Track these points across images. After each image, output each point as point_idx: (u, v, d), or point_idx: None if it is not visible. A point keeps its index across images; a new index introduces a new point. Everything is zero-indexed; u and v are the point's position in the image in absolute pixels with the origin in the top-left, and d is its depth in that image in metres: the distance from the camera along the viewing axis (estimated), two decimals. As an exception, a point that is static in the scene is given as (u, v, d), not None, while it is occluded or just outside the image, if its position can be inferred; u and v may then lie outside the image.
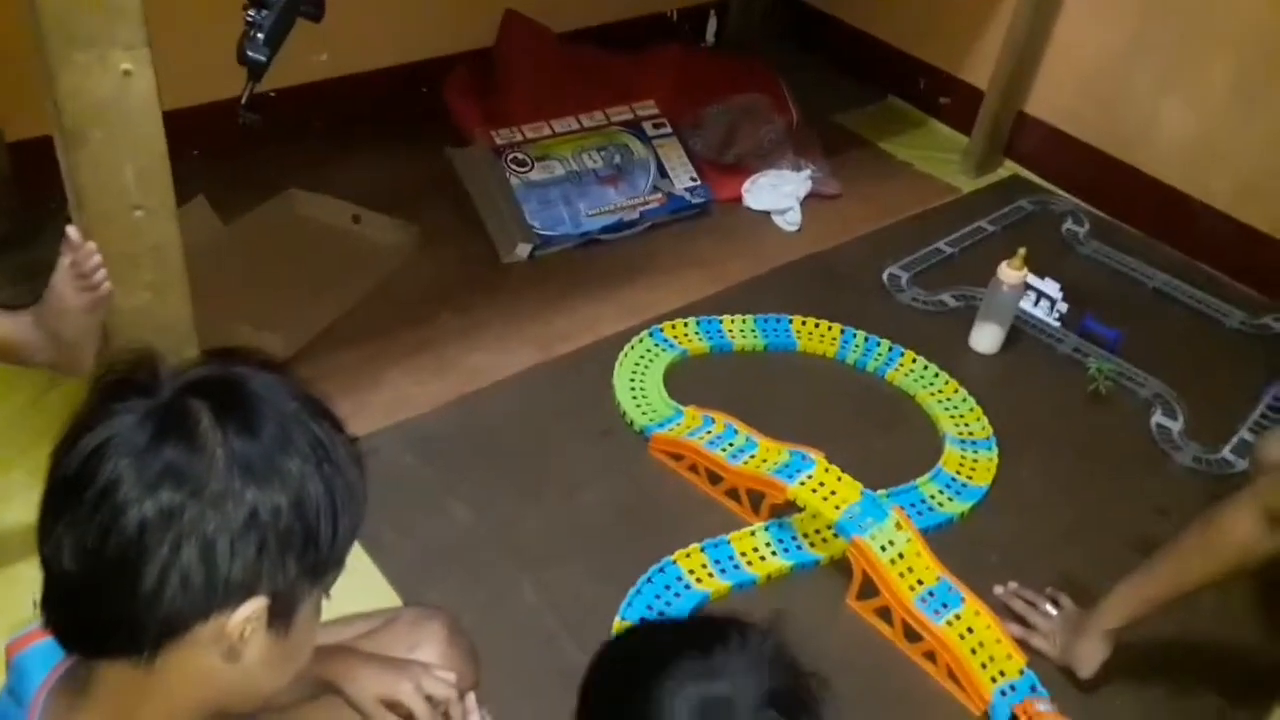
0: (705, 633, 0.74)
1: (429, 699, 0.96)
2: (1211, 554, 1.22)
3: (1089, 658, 1.33)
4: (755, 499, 1.54)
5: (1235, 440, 1.77)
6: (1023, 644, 1.40)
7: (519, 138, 2.09)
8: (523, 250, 1.98)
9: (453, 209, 2.06)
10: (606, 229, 2.07)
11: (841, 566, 1.47)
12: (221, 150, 1.95)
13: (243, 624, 0.63)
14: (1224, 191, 2.17)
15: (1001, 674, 1.36)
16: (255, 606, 0.63)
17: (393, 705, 0.96)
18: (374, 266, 1.90)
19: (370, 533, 1.46)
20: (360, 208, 1.98)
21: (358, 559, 1.43)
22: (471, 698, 0.97)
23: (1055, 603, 1.44)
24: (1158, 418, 1.81)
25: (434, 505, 1.52)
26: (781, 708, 0.70)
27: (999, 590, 1.47)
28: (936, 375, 1.85)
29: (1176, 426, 1.79)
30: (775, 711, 0.69)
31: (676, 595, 1.43)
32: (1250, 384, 1.86)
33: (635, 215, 2.09)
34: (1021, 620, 1.43)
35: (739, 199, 2.22)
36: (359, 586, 1.38)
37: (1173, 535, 1.59)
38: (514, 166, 2.05)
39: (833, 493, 1.47)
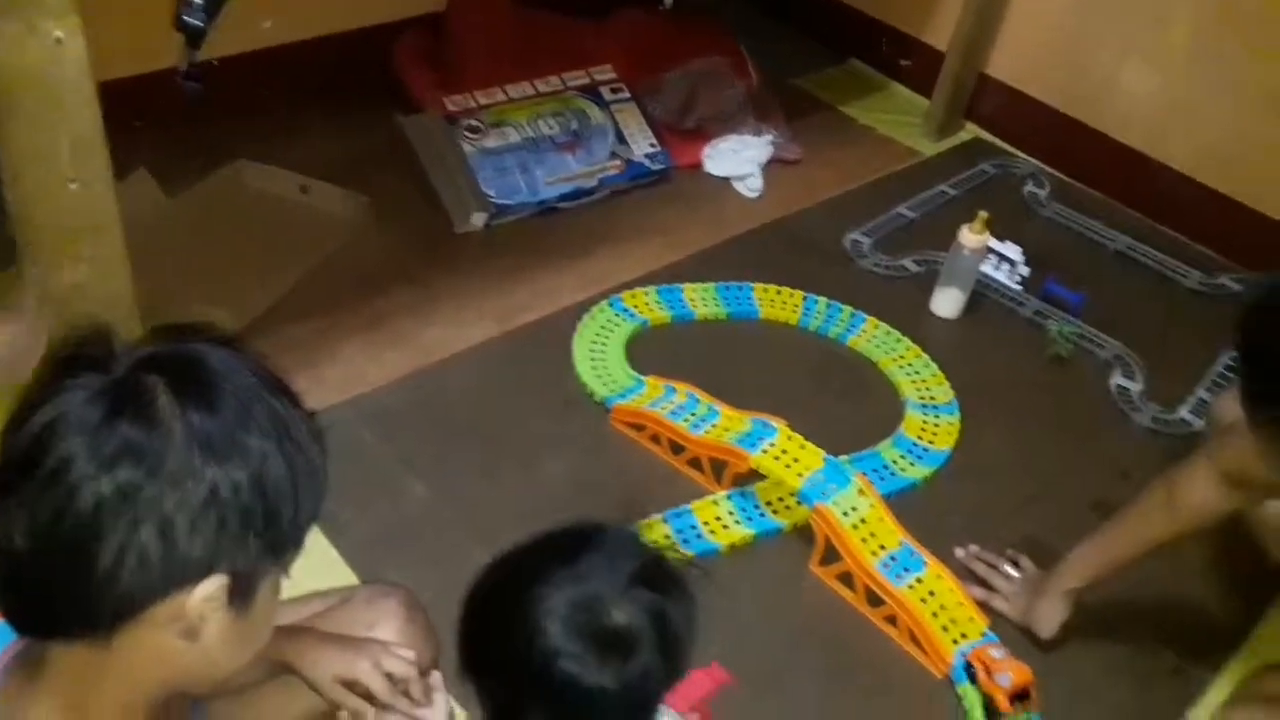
0: (567, 541, 0.77)
1: (388, 677, 0.95)
2: (1168, 516, 1.23)
3: (1049, 618, 1.34)
4: (718, 468, 1.53)
5: (1193, 400, 1.78)
6: (984, 606, 1.40)
7: (472, 104, 2.04)
8: (478, 220, 1.95)
9: (405, 178, 2.02)
10: (565, 197, 2.03)
11: (804, 533, 1.47)
12: (166, 121, 1.89)
13: (202, 603, 0.62)
14: (1183, 153, 2.17)
15: (963, 636, 1.36)
16: (215, 585, 0.62)
17: (351, 684, 0.95)
18: (325, 239, 1.87)
19: (325, 511, 1.41)
20: (309, 178, 1.93)
21: (313, 537, 1.40)
22: (436, 675, 0.96)
23: (1016, 564, 1.45)
24: (1117, 379, 1.82)
25: (391, 482, 1.49)
26: (647, 584, 0.74)
27: (960, 553, 1.48)
28: (899, 341, 1.84)
29: (1136, 388, 1.80)
30: (642, 588, 0.74)
31: (639, 567, 1.41)
32: (1208, 344, 1.87)
33: (594, 183, 2.06)
34: (983, 582, 1.44)
35: (699, 165, 2.20)
36: (314, 566, 1.36)
37: (1132, 497, 1.62)
38: (467, 134, 2.01)
39: (795, 460, 1.47)
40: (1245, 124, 2.07)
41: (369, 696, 0.95)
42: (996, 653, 1.31)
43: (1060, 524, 1.56)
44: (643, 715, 0.77)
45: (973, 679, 1.31)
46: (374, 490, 1.47)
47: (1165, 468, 1.66)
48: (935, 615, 1.37)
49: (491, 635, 0.76)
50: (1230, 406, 1.42)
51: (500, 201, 1.96)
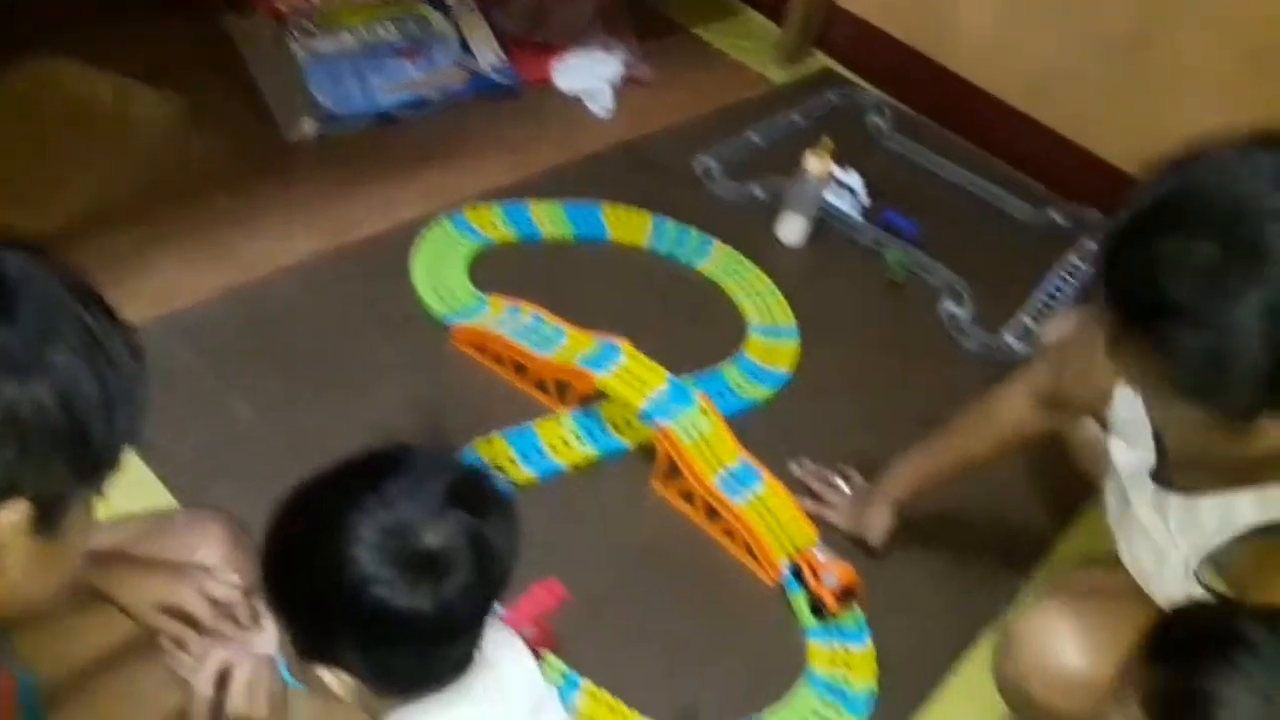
0: (374, 466, 0.74)
1: (212, 602, 0.90)
2: (985, 431, 1.29)
3: (876, 526, 1.40)
4: (562, 389, 1.51)
5: (1017, 326, 1.86)
6: (816, 518, 1.45)
7: (305, 4, 1.92)
8: (309, 128, 1.84)
9: (232, 83, 1.88)
10: (404, 106, 1.94)
11: (648, 452, 1.48)
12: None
13: (2, 530, 0.58)
14: (1017, 89, 2.25)
15: (796, 548, 1.40)
16: (16, 512, 0.58)
17: (172, 611, 0.89)
18: (142, 145, 1.73)
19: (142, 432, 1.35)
20: (126, 80, 1.78)
21: (129, 461, 1.31)
22: (260, 600, 0.91)
23: (847, 479, 1.50)
24: (948, 306, 1.89)
25: (212, 403, 1.41)
26: (461, 504, 0.71)
27: (794, 468, 1.52)
28: (745, 266, 1.86)
29: (964, 314, 1.88)
30: (456, 509, 0.71)
31: (479, 487, 1.39)
32: (1033, 272, 1.96)
33: (435, 93, 1.97)
34: (815, 496, 1.48)
35: (548, 81, 2.14)
36: (130, 490, 1.27)
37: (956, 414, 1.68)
38: (299, 36, 1.89)
39: (639, 380, 1.47)
40: (1073, 62, 2.16)
41: (192, 623, 0.90)
42: (821, 555, 1.36)
43: (891, 443, 1.60)
44: (465, 634, 0.75)
45: (800, 581, 1.35)
46: (194, 412, 1.39)
47: (988, 388, 1.76)
48: (770, 528, 1.40)
49: (297, 565, 0.73)
50: (1053, 331, 1.49)
51: (333, 109, 1.86)
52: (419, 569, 0.69)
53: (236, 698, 0.86)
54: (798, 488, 1.49)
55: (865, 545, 1.42)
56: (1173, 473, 1.01)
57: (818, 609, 1.33)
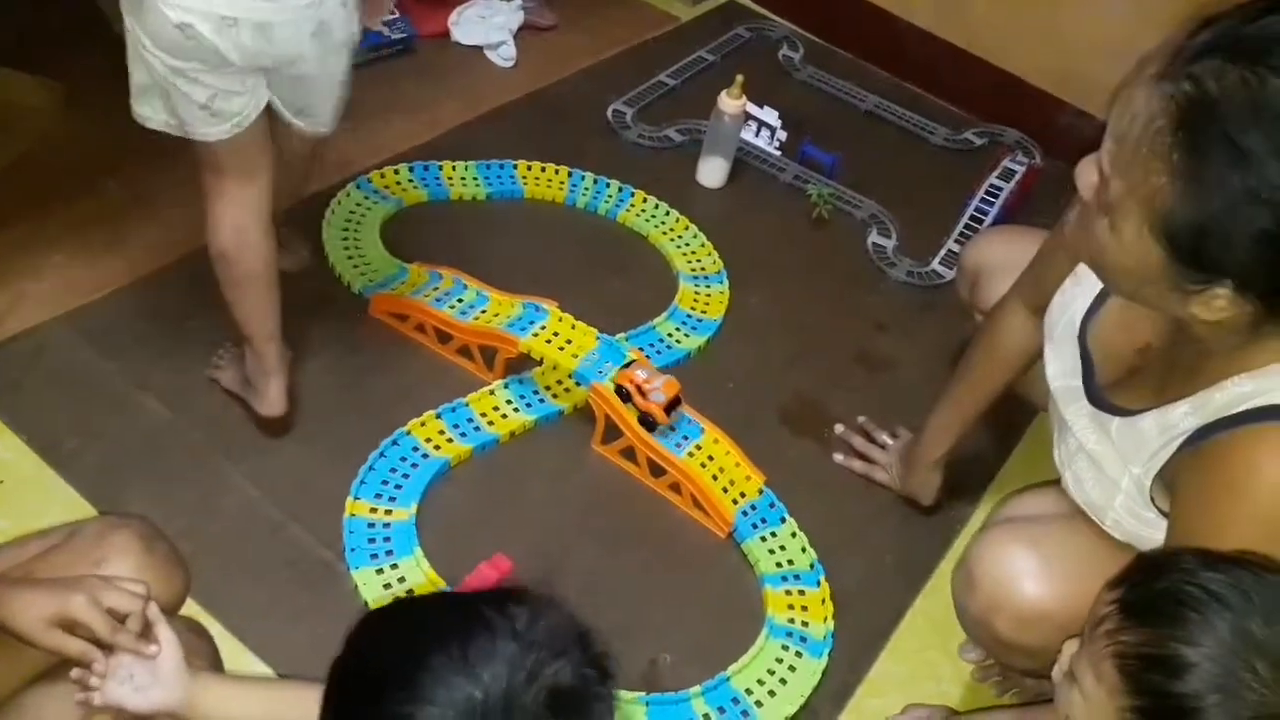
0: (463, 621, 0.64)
1: (111, 612, 0.83)
2: (996, 365, 1.26)
3: (925, 489, 1.40)
4: (488, 355, 1.47)
5: (943, 252, 1.86)
6: (867, 479, 1.46)
7: (179, -30, 1.79)
8: (197, 102, 1.73)
9: (108, 61, 1.74)
10: (296, 74, 1.84)
11: (585, 414, 1.44)
12: None
13: None
14: (925, 9, 2.22)
15: (742, 495, 1.39)
16: None
17: (70, 627, 0.83)
18: (17, 135, 1.61)
19: (47, 442, 1.28)
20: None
21: (39, 472, 1.25)
22: (154, 607, 0.85)
23: (895, 436, 1.49)
24: (873, 237, 1.88)
25: (122, 401, 1.34)
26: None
27: (839, 429, 1.51)
28: (667, 214, 1.82)
29: (891, 244, 1.87)
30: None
31: (414, 466, 1.35)
32: (955, 197, 1.95)
33: (329, 57, 1.88)
34: (861, 456, 1.48)
35: (446, 34, 2.05)
36: (41, 505, 1.21)
37: (890, 346, 1.68)
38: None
39: (569, 341, 1.43)
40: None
41: (94, 639, 0.83)
42: (642, 373, 1.38)
43: (827, 378, 1.62)
44: None
45: (627, 399, 1.37)
46: (103, 413, 1.32)
47: (919, 318, 1.75)
48: (715, 478, 1.39)
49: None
50: (975, 253, 1.48)
51: (222, 81, 1.75)
52: None
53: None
54: (842, 449, 1.49)
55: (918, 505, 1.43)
56: (1105, 392, 1.00)
57: (648, 423, 1.37)
